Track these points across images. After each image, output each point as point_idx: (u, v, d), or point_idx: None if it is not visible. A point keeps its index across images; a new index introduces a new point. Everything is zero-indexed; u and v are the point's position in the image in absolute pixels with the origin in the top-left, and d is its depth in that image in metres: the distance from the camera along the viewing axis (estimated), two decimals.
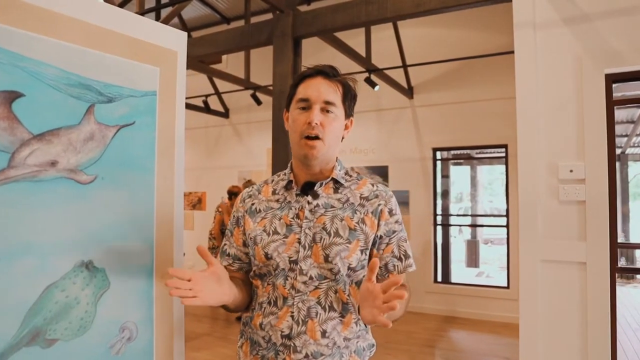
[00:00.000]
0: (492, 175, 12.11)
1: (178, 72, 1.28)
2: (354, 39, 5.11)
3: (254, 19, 5.08)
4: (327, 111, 1.08)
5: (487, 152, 8.13)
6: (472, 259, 8.57)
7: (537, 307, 2.19)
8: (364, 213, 1.10)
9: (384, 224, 1.11)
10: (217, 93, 6.86)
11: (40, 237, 0.96)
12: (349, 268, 1.07)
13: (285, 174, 1.18)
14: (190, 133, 7.71)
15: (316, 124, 1.05)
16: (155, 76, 1.20)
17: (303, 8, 4.31)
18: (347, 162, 6.08)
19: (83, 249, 1.04)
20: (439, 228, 5.95)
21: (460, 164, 9.82)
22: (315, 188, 1.11)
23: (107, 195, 1.09)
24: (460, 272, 7.91)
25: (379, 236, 1.11)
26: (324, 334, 1.05)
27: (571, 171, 2.17)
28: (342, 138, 1.18)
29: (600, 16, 2.12)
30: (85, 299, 1.04)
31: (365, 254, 1.10)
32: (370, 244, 1.10)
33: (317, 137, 1.06)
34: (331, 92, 1.09)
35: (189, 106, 6.78)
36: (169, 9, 4.82)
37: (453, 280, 6.10)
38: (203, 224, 7.33)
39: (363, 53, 4.76)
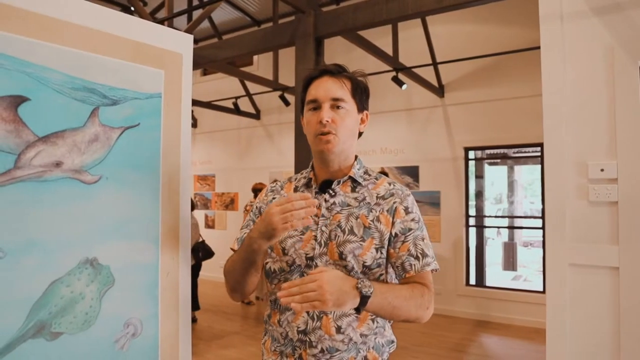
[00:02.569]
0: (533, 175, 11.65)
1: (183, 74, 1.31)
2: (382, 38, 5.07)
3: (282, 21, 5.13)
4: (337, 107, 1.10)
5: (525, 152, 7.83)
6: (509, 262, 8.27)
7: (564, 313, 2.09)
8: (379, 211, 1.11)
9: (399, 221, 1.10)
10: (248, 94, 6.97)
11: (45, 234, 1.01)
12: (363, 266, 1.07)
13: (306, 172, 1.21)
14: (223, 135, 7.88)
15: (327, 121, 1.07)
16: (159, 78, 1.24)
17: (332, 8, 4.30)
18: (377, 162, 6.06)
19: (88, 247, 1.08)
20: (473, 230, 5.78)
21: (496, 163, 9.51)
22: (333, 186, 1.14)
23: (112, 194, 1.13)
24: (496, 275, 7.65)
25: (393, 234, 1.10)
26: (338, 329, 1.06)
27: (602, 170, 2.05)
28: (360, 133, 1.19)
29: (633, 4, 1.99)
30: (90, 295, 1.08)
31: (382, 252, 1.09)
32: (386, 242, 1.10)
33: (330, 133, 1.09)
34: (338, 88, 1.10)
35: (220, 108, 6.93)
36: (195, 14, 4.96)
37: (488, 283, 5.91)
38: (236, 223, 7.47)
39: (391, 52, 4.70)
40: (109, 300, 1.12)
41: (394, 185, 1.16)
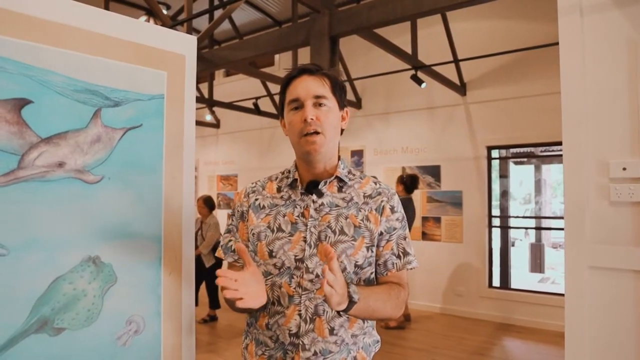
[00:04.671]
0: (562, 174, 11.27)
1: (187, 75, 1.32)
2: (401, 37, 5.01)
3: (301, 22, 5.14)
4: (320, 105, 1.09)
5: (552, 150, 7.59)
6: (536, 264, 8.04)
7: (584, 318, 2.01)
8: (368, 210, 1.12)
9: (385, 220, 1.12)
10: (270, 95, 7.02)
11: (48, 233, 1.04)
12: (355, 265, 1.08)
13: (289, 172, 1.19)
14: (245, 135, 7.96)
15: (312, 119, 1.06)
16: (162, 80, 1.25)
17: (347, 7, 4.29)
18: (398, 162, 6.01)
19: (90, 245, 1.11)
20: (498, 231, 5.65)
21: (522, 163, 9.26)
22: (320, 186, 1.12)
23: (114, 194, 1.15)
24: (522, 277, 7.45)
25: (379, 232, 1.11)
26: (331, 331, 1.06)
27: (624, 169, 1.96)
28: (342, 131, 1.18)
29: None
30: (92, 292, 1.11)
31: (372, 251, 1.11)
32: (375, 240, 1.11)
33: (316, 132, 1.07)
34: (319, 86, 1.09)
35: (241, 108, 7.01)
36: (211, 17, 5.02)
37: (513, 285, 5.76)
38: None
39: (410, 51, 4.64)
40: (111, 298, 1.14)
41: (380, 184, 1.18)
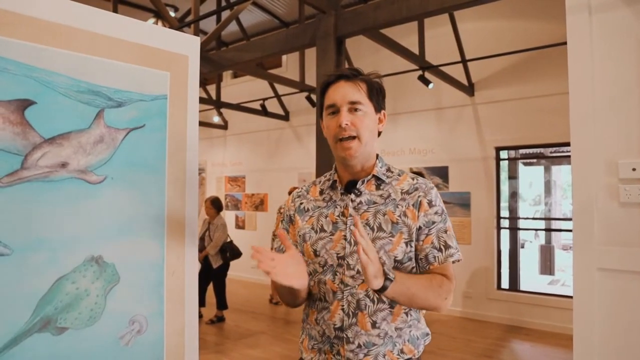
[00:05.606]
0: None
1: (190, 76, 1.32)
2: (409, 37, 4.99)
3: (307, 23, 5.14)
4: (356, 110, 1.13)
5: (562, 151, 7.50)
6: (546, 266, 7.95)
7: (593, 321, 1.98)
8: (405, 206, 1.14)
9: (423, 215, 1.14)
10: (277, 96, 7.04)
11: (51, 232, 1.04)
12: (395, 260, 1.12)
13: (330, 175, 1.25)
14: (253, 136, 7.99)
15: (347, 124, 1.11)
16: (165, 80, 1.26)
17: (352, 8, 4.28)
18: (406, 163, 5.97)
19: (93, 245, 1.11)
20: (506, 232, 5.60)
21: (532, 163, 9.17)
22: (358, 186, 1.17)
23: (117, 194, 1.16)
24: (531, 279, 7.37)
25: (418, 227, 1.14)
26: (374, 324, 1.11)
27: (634, 169, 1.93)
28: (379, 133, 1.23)
29: None
30: (95, 292, 1.11)
31: (411, 246, 1.14)
32: (414, 235, 1.13)
33: (351, 137, 1.12)
34: (354, 91, 1.14)
35: (249, 110, 7.03)
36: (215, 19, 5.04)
37: (522, 287, 5.70)
38: (265, 224, 7.55)
39: (417, 51, 4.62)
40: (114, 298, 1.14)
41: (417, 180, 1.20)
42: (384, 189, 1.17)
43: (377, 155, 1.22)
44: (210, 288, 5.18)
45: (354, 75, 1.16)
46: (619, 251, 1.95)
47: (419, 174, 4.84)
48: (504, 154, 5.54)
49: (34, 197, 1.02)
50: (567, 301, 4.85)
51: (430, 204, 1.15)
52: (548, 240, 8.94)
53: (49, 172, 1.04)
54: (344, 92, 1.13)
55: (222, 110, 7.80)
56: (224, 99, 7.39)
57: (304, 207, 1.24)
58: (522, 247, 7.88)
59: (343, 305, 1.12)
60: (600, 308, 1.97)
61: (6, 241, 0.97)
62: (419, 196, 1.15)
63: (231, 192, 8.35)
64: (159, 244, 1.24)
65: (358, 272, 1.11)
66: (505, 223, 5.61)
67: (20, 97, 1.00)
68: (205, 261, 5.14)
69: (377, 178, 1.18)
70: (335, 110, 1.14)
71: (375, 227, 1.12)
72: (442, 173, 5.74)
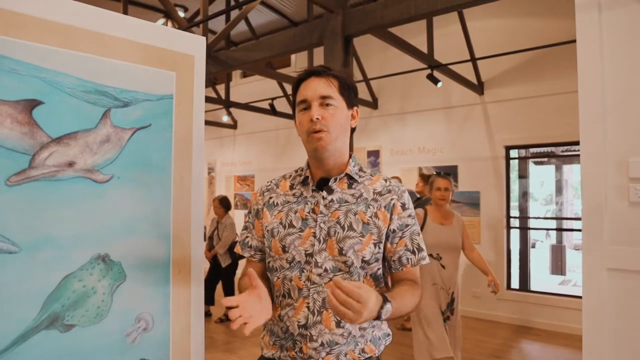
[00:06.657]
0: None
1: (196, 76, 1.33)
2: (418, 36, 4.96)
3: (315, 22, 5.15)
4: (327, 105, 1.12)
5: (573, 150, 7.40)
6: (557, 266, 7.86)
7: (602, 321, 1.95)
8: (377, 207, 1.14)
9: (397, 218, 1.15)
10: (286, 95, 7.04)
11: (58, 231, 1.06)
12: (362, 261, 1.11)
13: (302, 170, 1.23)
14: (262, 135, 8.01)
15: (317, 118, 1.10)
16: (171, 80, 1.27)
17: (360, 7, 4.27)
18: (415, 162, 5.94)
19: (99, 243, 1.13)
20: (516, 232, 5.54)
21: (543, 163, 9.07)
22: (330, 183, 1.16)
23: (123, 193, 1.17)
24: (542, 279, 7.29)
25: (391, 230, 1.14)
26: (338, 323, 1.10)
27: None
28: (353, 129, 1.22)
29: None
30: (102, 289, 1.13)
31: (379, 247, 1.13)
32: (383, 237, 1.14)
33: (321, 130, 1.11)
34: (325, 87, 1.13)
35: (258, 109, 7.05)
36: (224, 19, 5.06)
37: (532, 287, 5.64)
38: None
39: (426, 50, 4.59)
40: (120, 295, 1.16)
41: (390, 182, 1.20)
42: (356, 188, 1.17)
43: (351, 155, 1.21)
44: (219, 287, 5.21)
45: (324, 71, 1.16)
46: (628, 251, 1.92)
47: (444, 174, 4.84)
48: (514, 153, 5.48)
49: (42, 196, 1.03)
50: (578, 301, 4.79)
51: (403, 207, 1.16)
52: (559, 240, 8.83)
53: (56, 171, 1.06)
54: (314, 87, 1.13)
55: (232, 109, 7.83)
56: (233, 98, 7.41)
57: (273, 202, 1.21)
58: (533, 247, 7.80)
59: (309, 303, 1.11)
60: (610, 308, 1.95)
61: (14, 239, 0.99)
62: (392, 199, 1.15)
63: (240, 192, 8.38)
64: (165, 242, 1.25)
65: (325, 270, 1.10)
66: (515, 223, 5.55)
67: (28, 97, 1.01)
68: (214, 260, 5.17)
69: (350, 177, 1.18)
70: (306, 107, 1.13)
71: (345, 226, 1.11)
72: (451, 172, 5.69)
